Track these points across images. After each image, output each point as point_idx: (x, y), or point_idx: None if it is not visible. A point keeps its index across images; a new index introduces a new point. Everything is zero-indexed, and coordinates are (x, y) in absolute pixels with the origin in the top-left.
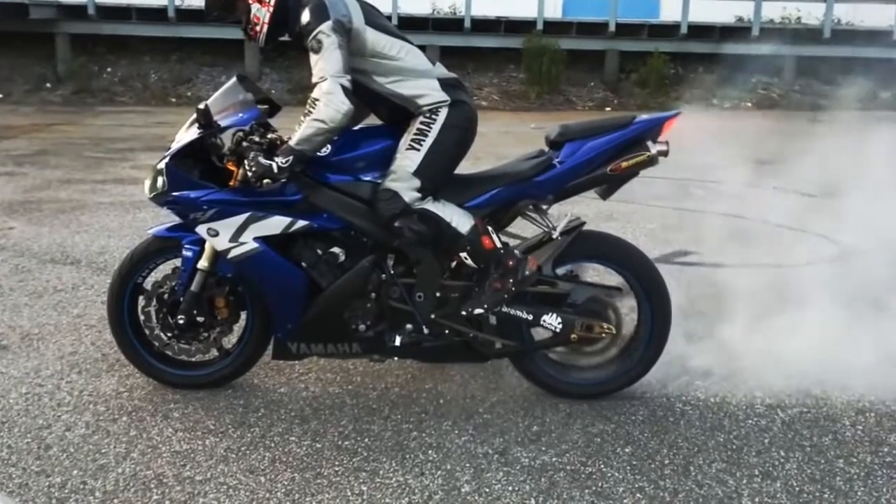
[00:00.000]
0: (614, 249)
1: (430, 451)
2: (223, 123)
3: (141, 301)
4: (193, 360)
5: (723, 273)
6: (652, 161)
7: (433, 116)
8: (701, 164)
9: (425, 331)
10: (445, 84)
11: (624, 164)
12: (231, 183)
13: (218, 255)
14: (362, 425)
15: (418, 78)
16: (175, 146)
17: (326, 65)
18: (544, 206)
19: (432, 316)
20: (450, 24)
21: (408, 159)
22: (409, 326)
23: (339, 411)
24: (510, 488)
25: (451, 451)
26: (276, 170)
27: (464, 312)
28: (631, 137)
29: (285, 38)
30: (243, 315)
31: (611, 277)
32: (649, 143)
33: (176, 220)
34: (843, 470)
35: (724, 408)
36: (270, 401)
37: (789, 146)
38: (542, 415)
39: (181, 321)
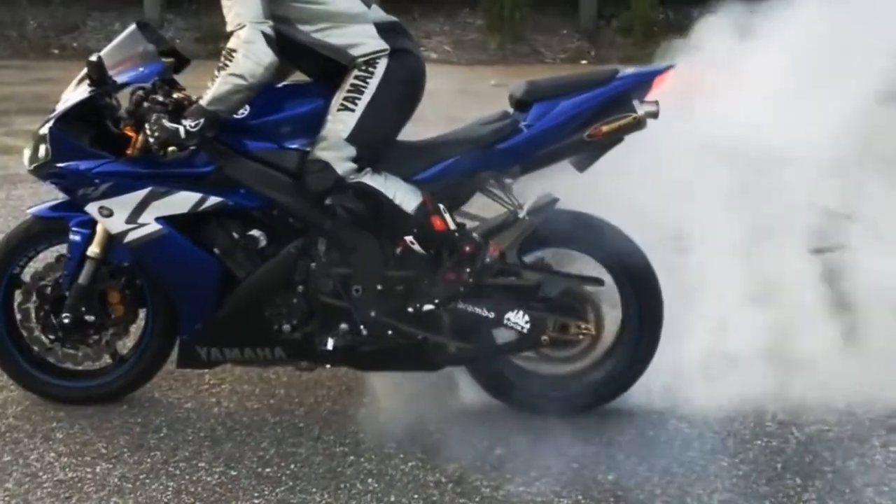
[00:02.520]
0: (594, 233)
1: (369, 480)
2: (119, 80)
3: (18, 296)
4: (81, 368)
5: (729, 261)
6: (639, 124)
7: (370, 69)
8: (699, 129)
9: (364, 332)
10: (384, 30)
11: (605, 129)
12: (129, 151)
13: (112, 240)
14: (287, 448)
15: (350, 24)
16: (61, 107)
17: (243, 9)
18: (508, 180)
19: (372, 314)
20: None
21: (341, 122)
22: (343, 327)
23: (258, 431)
24: None
25: (396, 479)
26: (183, 135)
27: (411, 309)
28: (613, 96)
29: None
30: (142, 313)
31: (589, 267)
32: (635, 103)
33: (62, 196)
34: (873, 501)
35: (728, 425)
36: (175, 418)
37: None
38: (506, 435)
39: (66, 321)
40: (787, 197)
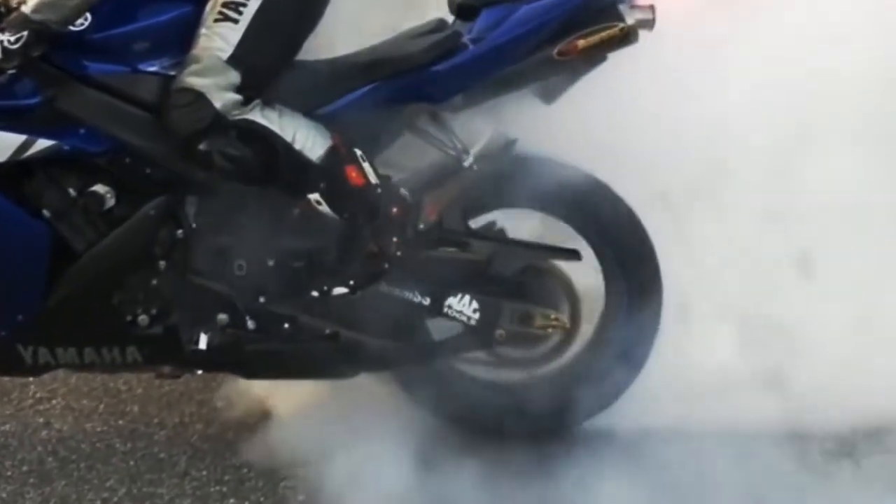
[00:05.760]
0: (567, 187)
1: None
2: None
3: None
4: None
5: (751, 221)
6: (627, 37)
7: None
8: (703, 48)
9: (250, 325)
10: None
11: (582, 44)
12: None
13: None
14: (142, 487)
15: None
16: None
17: None
18: (449, 115)
19: (261, 300)
20: None
21: (219, 38)
22: (222, 318)
23: (103, 463)
24: None
25: None
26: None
27: (315, 293)
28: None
29: None
30: None
31: (561, 234)
32: (622, 8)
33: None
34: None
35: (757, 454)
36: None
37: None
38: (446, 469)
39: None
40: None
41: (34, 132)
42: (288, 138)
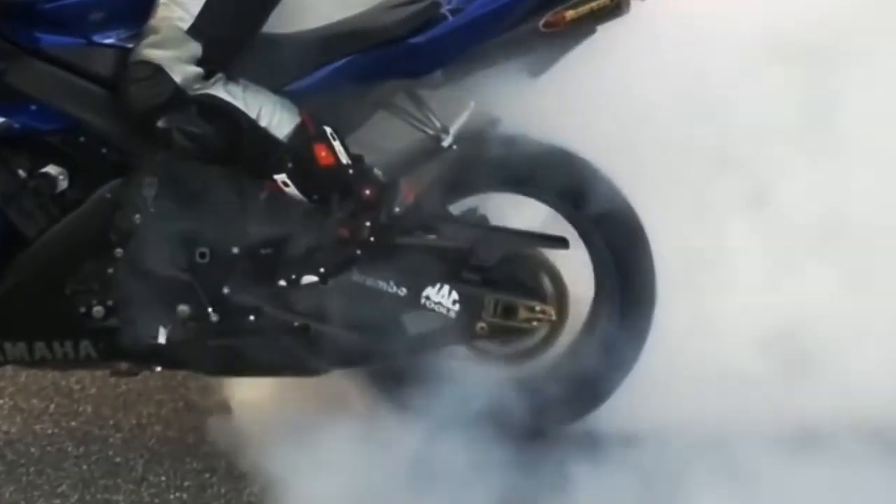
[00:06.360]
0: (554, 170)
1: None
2: None
3: None
4: None
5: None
6: (619, 8)
7: None
8: (700, 21)
9: (212, 317)
10: None
11: (570, 14)
12: None
13: None
14: (96, 494)
15: None
16: None
17: None
18: (427, 91)
19: (225, 290)
20: None
21: (178, 7)
22: (182, 309)
23: (54, 468)
24: None
25: None
26: None
27: (283, 283)
28: None
29: None
30: None
31: (548, 221)
32: None
33: None
34: None
35: (770, 457)
36: None
37: None
38: (422, 476)
39: None
40: None
41: None
42: (253, 115)
